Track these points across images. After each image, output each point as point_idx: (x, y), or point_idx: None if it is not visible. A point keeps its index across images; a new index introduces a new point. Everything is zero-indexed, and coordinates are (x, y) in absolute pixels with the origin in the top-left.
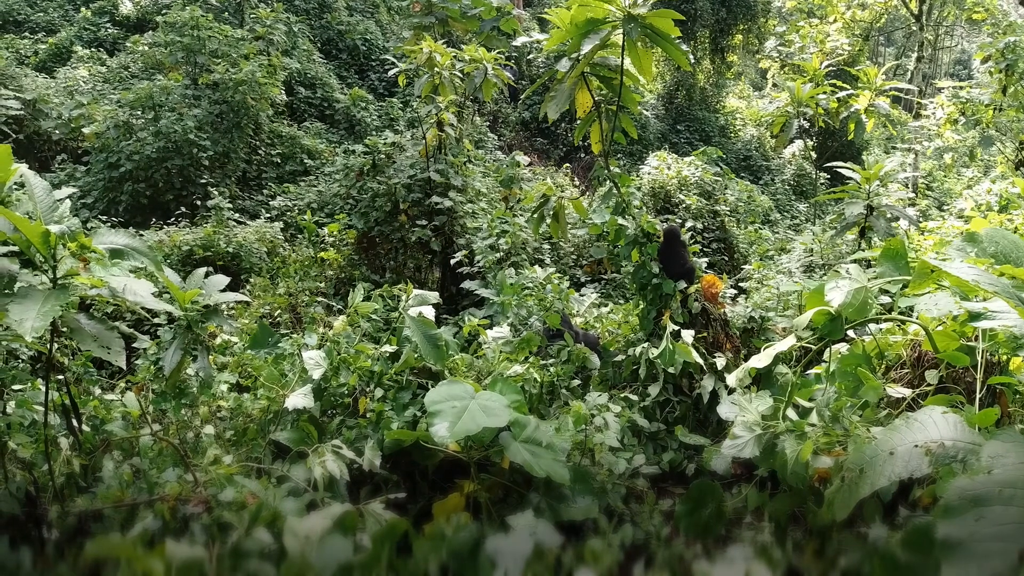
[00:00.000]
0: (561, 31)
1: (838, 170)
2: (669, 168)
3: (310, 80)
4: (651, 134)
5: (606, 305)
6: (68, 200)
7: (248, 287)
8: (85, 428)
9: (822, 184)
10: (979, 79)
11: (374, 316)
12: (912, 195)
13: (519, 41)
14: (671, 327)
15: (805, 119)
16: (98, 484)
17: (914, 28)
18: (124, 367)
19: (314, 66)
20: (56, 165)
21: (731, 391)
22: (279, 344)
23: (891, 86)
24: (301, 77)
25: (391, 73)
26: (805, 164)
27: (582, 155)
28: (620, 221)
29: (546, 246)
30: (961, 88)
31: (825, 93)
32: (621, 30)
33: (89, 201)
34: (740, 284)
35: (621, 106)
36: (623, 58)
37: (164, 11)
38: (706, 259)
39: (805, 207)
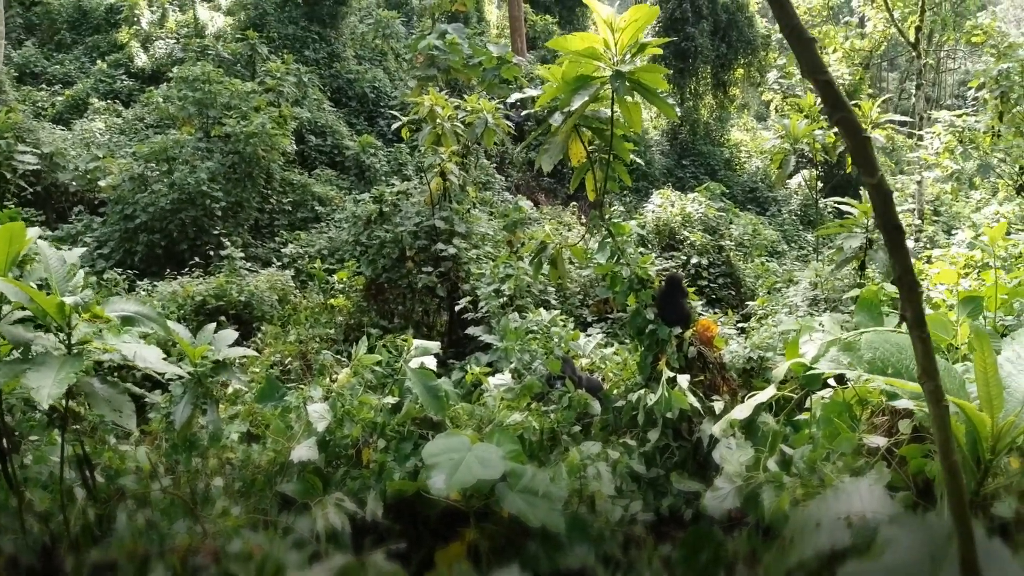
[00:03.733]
0: (553, 87)
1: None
2: (673, 205)
3: (320, 128)
4: (657, 170)
5: (612, 345)
6: (81, 272)
7: (260, 335)
8: (99, 479)
9: (829, 213)
10: (976, 105)
11: (377, 368)
12: (918, 222)
13: (513, 97)
14: (667, 373)
15: (803, 155)
16: (112, 535)
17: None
18: (134, 429)
19: (324, 114)
20: (73, 216)
21: (715, 442)
22: (285, 396)
23: (886, 119)
24: (312, 125)
25: (394, 127)
26: (811, 194)
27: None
28: (615, 268)
29: (551, 288)
30: (958, 116)
31: (821, 128)
32: (609, 86)
33: (105, 252)
34: (746, 320)
35: (614, 155)
36: (612, 111)
37: (178, 63)
38: (701, 302)
39: (812, 237)
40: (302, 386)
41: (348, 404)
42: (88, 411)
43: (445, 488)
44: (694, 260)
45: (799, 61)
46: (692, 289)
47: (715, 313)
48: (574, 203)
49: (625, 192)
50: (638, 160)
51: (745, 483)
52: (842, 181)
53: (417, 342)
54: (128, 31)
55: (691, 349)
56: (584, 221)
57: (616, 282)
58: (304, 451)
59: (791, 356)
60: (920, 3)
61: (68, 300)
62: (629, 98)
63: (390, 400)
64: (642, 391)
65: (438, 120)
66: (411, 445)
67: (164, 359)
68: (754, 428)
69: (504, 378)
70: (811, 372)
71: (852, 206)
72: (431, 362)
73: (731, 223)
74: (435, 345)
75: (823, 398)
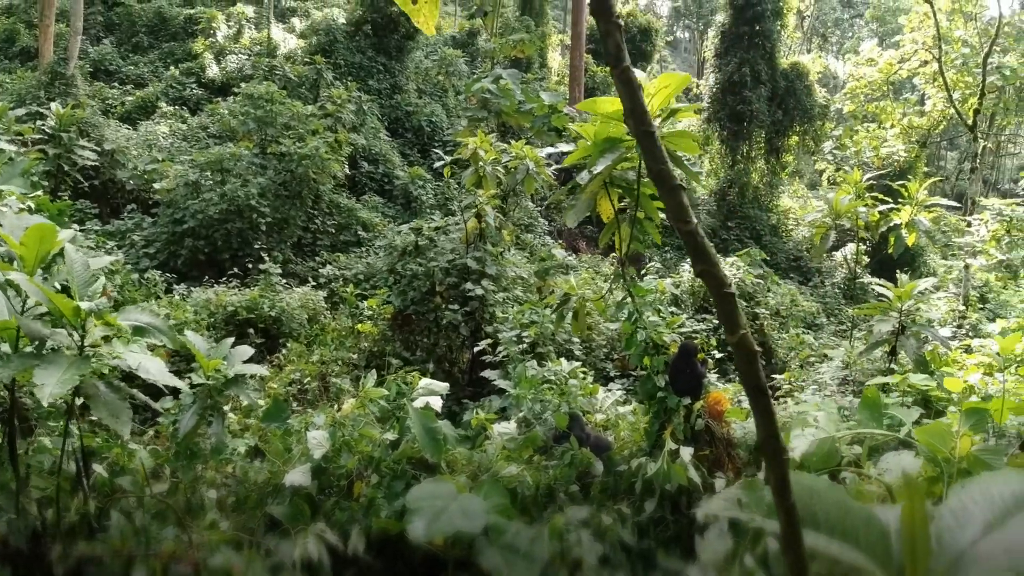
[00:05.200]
0: (583, 146)
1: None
2: None
3: (374, 156)
4: (701, 229)
5: (631, 403)
6: (102, 278)
7: (284, 351)
8: (103, 472)
9: (871, 290)
10: None
11: (382, 401)
12: (963, 308)
13: (546, 151)
14: (670, 444)
15: (847, 230)
16: (102, 531)
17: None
18: (126, 435)
19: (379, 143)
20: (126, 213)
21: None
22: (289, 419)
23: (932, 201)
24: (366, 152)
25: (436, 166)
26: (856, 269)
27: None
28: (632, 328)
29: (576, 338)
30: (1008, 205)
31: (866, 206)
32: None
33: (151, 251)
34: (772, 393)
35: (638, 217)
36: (639, 175)
37: (247, 79)
38: (714, 373)
39: (852, 312)
40: (309, 410)
41: (348, 435)
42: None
43: (424, 535)
44: None
45: (664, 205)
46: (720, 356)
47: (733, 384)
48: (614, 254)
49: (666, 248)
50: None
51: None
52: (889, 257)
53: (425, 381)
54: (203, 42)
55: (699, 421)
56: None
57: (631, 343)
58: (298, 476)
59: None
60: (980, 86)
61: (84, 305)
62: None
63: (389, 436)
64: (643, 459)
65: (480, 162)
66: (403, 484)
67: (170, 371)
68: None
69: (509, 426)
70: (800, 468)
71: (886, 287)
72: (436, 402)
73: (769, 291)
74: (443, 386)
75: None
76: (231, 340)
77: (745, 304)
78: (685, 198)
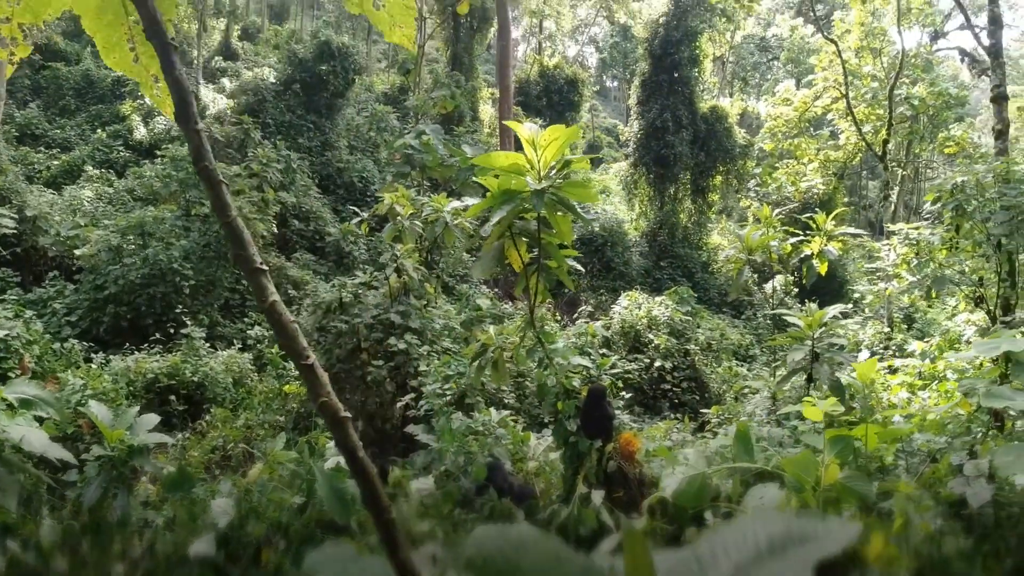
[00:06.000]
0: (483, 200)
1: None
2: (639, 307)
3: (304, 213)
4: (634, 271)
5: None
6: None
7: (208, 417)
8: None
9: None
10: (931, 217)
11: (291, 464)
12: (887, 329)
13: (450, 207)
14: (582, 488)
15: (762, 264)
16: None
17: (892, 165)
18: (12, 509)
19: (310, 200)
20: (48, 280)
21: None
22: (194, 488)
23: (841, 231)
24: (296, 210)
25: (352, 223)
26: (773, 301)
27: (565, 291)
28: (544, 375)
29: (505, 387)
30: (914, 229)
31: (776, 240)
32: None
33: (73, 319)
34: (702, 428)
35: (549, 265)
36: (539, 224)
37: (175, 140)
38: (624, 414)
39: (766, 343)
40: (221, 477)
41: (255, 500)
42: None
43: None
44: (658, 363)
45: (209, 198)
46: (654, 393)
47: (676, 418)
48: (549, 300)
49: (602, 292)
50: (578, 267)
51: None
52: (819, 285)
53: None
54: (131, 104)
55: (611, 463)
56: (560, 318)
57: (543, 390)
58: (203, 546)
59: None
60: (887, 119)
61: None
62: (558, 212)
63: (297, 500)
64: (555, 506)
65: (399, 217)
66: (312, 549)
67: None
68: None
69: (427, 482)
70: (677, 508)
71: (798, 318)
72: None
73: (698, 327)
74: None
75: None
76: (135, 409)
77: (675, 340)
78: (224, 193)
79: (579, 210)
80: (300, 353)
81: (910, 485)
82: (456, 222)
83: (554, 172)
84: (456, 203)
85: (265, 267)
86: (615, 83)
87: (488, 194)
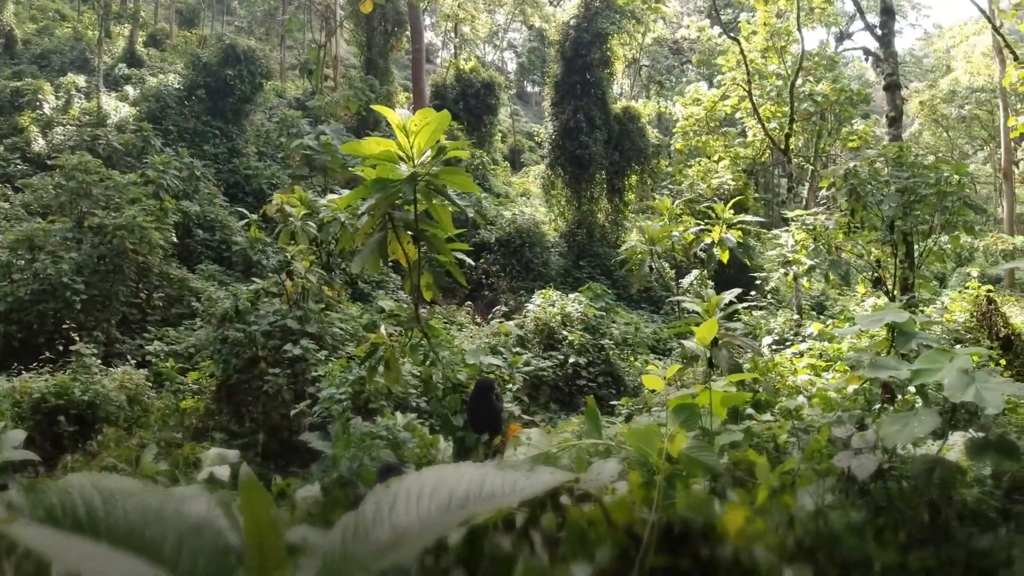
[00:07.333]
0: (355, 191)
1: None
2: (552, 305)
3: (209, 222)
4: (553, 270)
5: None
6: None
7: (100, 438)
8: None
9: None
10: (827, 203)
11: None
12: (797, 317)
13: (325, 200)
14: None
15: (659, 256)
16: None
17: (797, 160)
18: None
19: (215, 208)
20: None
21: None
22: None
23: (739, 219)
24: (200, 219)
25: (241, 223)
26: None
27: (486, 292)
28: (429, 371)
29: (412, 390)
30: (810, 215)
31: (677, 231)
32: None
33: None
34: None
35: (439, 259)
36: (415, 213)
37: (75, 151)
38: (508, 411)
39: (666, 332)
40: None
41: None
42: None
43: None
44: (572, 359)
45: None
46: (570, 388)
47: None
48: (469, 303)
49: (521, 292)
50: (468, 260)
51: None
52: (733, 277)
53: (215, 450)
54: (30, 115)
55: (498, 456)
56: (479, 321)
57: (429, 387)
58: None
59: None
60: (789, 115)
61: None
62: (435, 201)
63: None
64: None
65: (290, 219)
66: None
67: None
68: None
69: (312, 489)
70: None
71: (696, 305)
72: (223, 472)
73: (613, 322)
74: (233, 453)
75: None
76: None
77: (590, 336)
78: None
79: (453, 197)
80: None
81: (794, 460)
82: (355, 223)
83: (428, 159)
84: (333, 195)
85: None
86: (536, 88)
87: (360, 187)
